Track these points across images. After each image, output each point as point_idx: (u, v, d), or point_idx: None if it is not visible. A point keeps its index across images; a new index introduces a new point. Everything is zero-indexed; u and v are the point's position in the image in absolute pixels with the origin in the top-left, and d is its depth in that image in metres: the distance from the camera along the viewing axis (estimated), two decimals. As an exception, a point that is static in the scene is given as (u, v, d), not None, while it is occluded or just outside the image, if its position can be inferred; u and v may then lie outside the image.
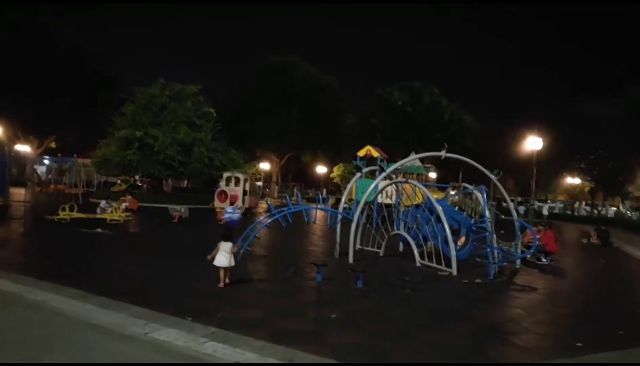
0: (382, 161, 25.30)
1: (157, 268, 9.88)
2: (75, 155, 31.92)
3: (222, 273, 8.27)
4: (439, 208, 11.61)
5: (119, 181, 45.53)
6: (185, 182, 56.70)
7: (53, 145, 50.39)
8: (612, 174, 47.49)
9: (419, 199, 18.12)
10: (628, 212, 57.02)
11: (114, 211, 17.59)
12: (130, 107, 33.59)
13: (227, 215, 10.51)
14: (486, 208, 11.39)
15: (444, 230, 11.31)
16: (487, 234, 11.16)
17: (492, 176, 12.73)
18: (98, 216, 16.92)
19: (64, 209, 16.47)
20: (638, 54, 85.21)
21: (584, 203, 62.30)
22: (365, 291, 8.82)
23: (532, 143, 25.33)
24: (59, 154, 35.15)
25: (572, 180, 53.55)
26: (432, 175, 40.97)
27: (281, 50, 64.86)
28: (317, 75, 55.07)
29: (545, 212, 38.75)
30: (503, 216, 12.17)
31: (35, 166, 46.56)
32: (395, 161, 21.90)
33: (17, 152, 42.11)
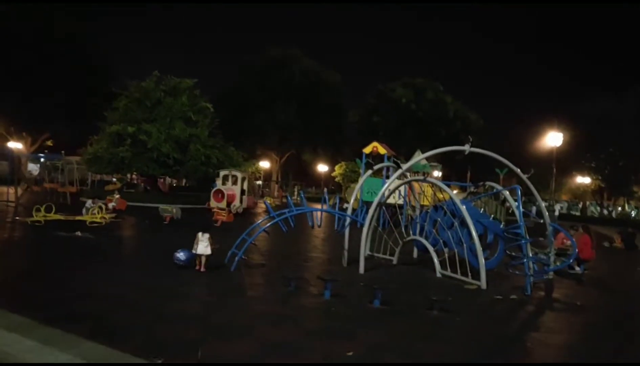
0: (389, 158, 23.79)
1: (133, 281, 8.27)
2: (63, 152, 30.23)
3: (199, 259, 9.33)
4: (464, 211, 10.00)
5: (114, 179, 43.93)
6: (184, 180, 55.13)
7: (50, 143, 49.03)
8: (624, 173, 45.83)
9: (427, 200, 16.52)
10: (633, 212, 55.42)
11: (98, 212, 15.95)
12: (122, 102, 31.88)
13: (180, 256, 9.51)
14: (520, 211, 9.75)
15: (471, 236, 9.71)
16: (522, 242, 9.53)
17: (523, 176, 11.06)
18: (77, 217, 15.27)
19: (38, 210, 14.83)
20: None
21: (588, 202, 60.61)
22: (385, 312, 7.21)
23: (552, 139, 23.71)
24: (46, 151, 33.48)
25: (582, 179, 51.82)
26: (437, 173, 39.42)
27: (282, 43, 63.17)
28: (319, 70, 53.49)
29: (556, 213, 37.15)
30: (542, 221, 10.51)
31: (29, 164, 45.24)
32: (399, 159, 20.28)
33: (11, 150, 40.67)
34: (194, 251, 9.30)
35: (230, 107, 48.46)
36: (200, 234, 9.33)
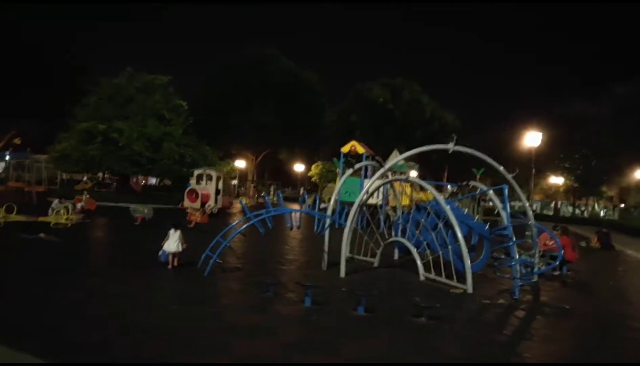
0: (368, 157, 23.38)
1: (95, 288, 7.61)
2: (28, 149, 29.01)
3: (171, 257, 9.30)
4: (449, 211, 9.60)
5: (85, 179, 42.57)
6: (159, 180, 53.84)
7: (17, 141, 47.24)
8: (597, 173, 46.41)
9: (406, 200, 16.17)
10: (602, 212, 56.24)
11: (64, 213, 15.12)
12: (93, 98, 30.84)
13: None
14: (507, 212, 9.40)
15: (457, 238, 9.32)
16: (510, 244, 9.15)
17: (508, 175, 10.74)
18: (41, 218, 14.43)
19: (-3, 211, 13.97)
20: (626, 51, 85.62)
21: (560, 202, 61.28)
22: (369, 321, 6.74)
23: (531, 139, 23.64)
24: (11, 148, 32.13)
25: (556, 179, 52.33)
26: (414, 173, 39.32)
27: (259, 43, 62.39)
28: (296, 69, 52.89)
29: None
30: (532, 222, 10.21)
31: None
32: (377, 160, 19.96)
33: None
34: (165, 249, 9.32)
35: (207, 106, 47.50)
36: (171, 231, 9.35)
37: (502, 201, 10.04)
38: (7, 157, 43.07)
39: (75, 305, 6.57)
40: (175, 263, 9.35)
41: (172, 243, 9.25)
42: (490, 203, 40.91)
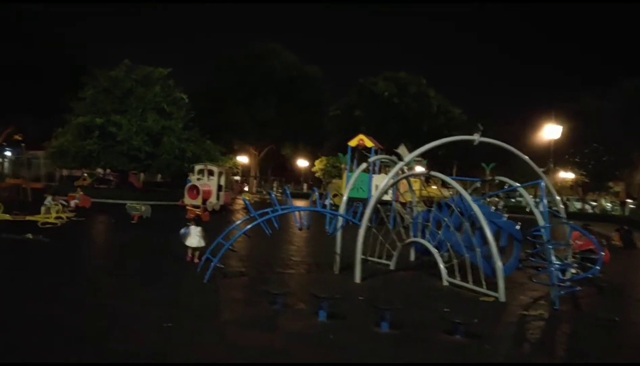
0: (376, 151, 22.35)
1: (76, 299, 6.63)
2: (23, 145, 28.06)
3: (192, 251, 9.65)
4: (477, 209, 8.57)
5: (85, 175, 41.64)
6: (160, 176, 52.90)
7: (19, 137, 46.34)
8: (608, 168, 45.29)
9: (416, 197, 15.08)
10: (608, 206, 55.05)
11: (53, 210, 14.12)
12: (89, 91, 29.76)
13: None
14: (546, 210, 8.35)
15: (486, 240, 8.30)
16: (548, 247, 8.09)
17: (539, 170, 9.79)
18: (28, 217, 13.44)
19: (-19, 210, 13.01)
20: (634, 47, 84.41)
21: (567, 197, 60.06)
22: (397, 339, 5.72)
23: (550, 132, 22.53)
24: (4, 143, 31.22)
25: (565, 174, 51.15)
26: (420, 169, 38.26)
27: (261, 37, 61.38)
28: (299, 64, 51.89)
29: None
30: (571, 223, 9.21)
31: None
32: (394, 153, 18.85)
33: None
34: (187, 244, 9.60)
35: (209, 101, 46.50)
36: (192, 227, 9.69)
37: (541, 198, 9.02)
38: (7, 154, 42.28)
39: (51, 319, 5.61)
40: (196, 259, 9.40)
41: (194, 238, 9.54)
42: (496, 200, 39.91)
